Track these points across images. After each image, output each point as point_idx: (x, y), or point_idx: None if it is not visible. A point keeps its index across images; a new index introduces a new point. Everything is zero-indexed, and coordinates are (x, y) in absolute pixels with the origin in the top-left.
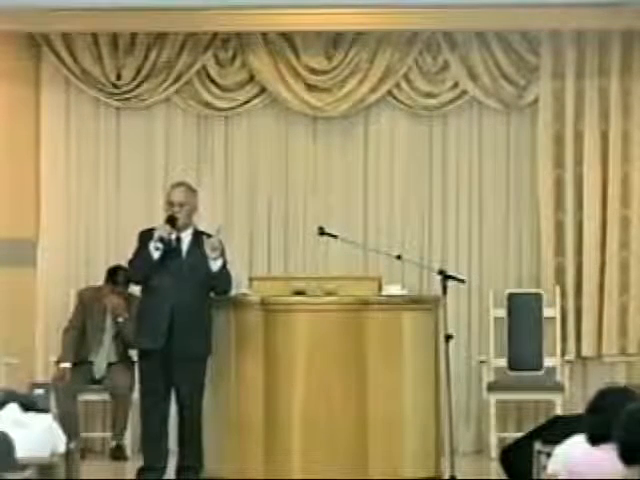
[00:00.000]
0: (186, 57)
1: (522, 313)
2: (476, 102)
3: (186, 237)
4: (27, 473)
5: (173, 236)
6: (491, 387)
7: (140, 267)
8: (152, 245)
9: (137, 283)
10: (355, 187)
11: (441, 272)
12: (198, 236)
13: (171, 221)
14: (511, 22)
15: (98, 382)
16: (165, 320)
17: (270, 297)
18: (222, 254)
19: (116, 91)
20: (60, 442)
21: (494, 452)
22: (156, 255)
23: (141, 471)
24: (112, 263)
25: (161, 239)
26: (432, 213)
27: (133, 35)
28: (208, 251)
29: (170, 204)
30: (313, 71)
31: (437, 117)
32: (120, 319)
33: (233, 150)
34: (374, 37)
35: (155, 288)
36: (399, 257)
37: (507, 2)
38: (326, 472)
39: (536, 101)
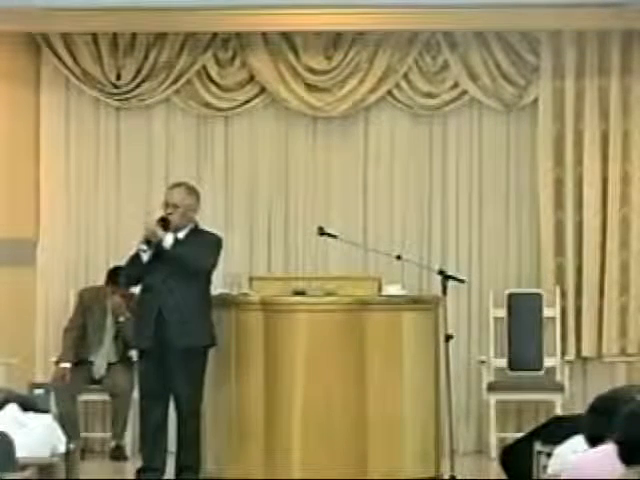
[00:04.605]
0: (186, 57)
1: (522, 313)
2: (476, 102)
3: (181, 236)
4: (27, 473)
5: (169, 237)
6: (491, 387)
7: (133, 269)
8: (138, 247)
9: (131, 285)
10: (355, 187)
11: (441, 272)
12: (194, 233)
13: (163, 222)
14: (511, 22)
15: (98, 382)
16: (154, 320)
17: (270, 297)
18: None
19: (116, 91)
20: (60, 442)
21: (494, 452)
22: (145, 257)
23: (140, 471)
24: (112, 263)
25: (147, 241)
26: (432, 213)
27: (133, 35)
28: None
29: (165, 205)
30: (313, 71)
31: (437, 117)
32: (121, 319)
33: (233, 150)
34: (374, 37)
35: (147, 288)
36: (399, 257)
37: (507, 2)
38: (326, 472)
39: (536, 101)
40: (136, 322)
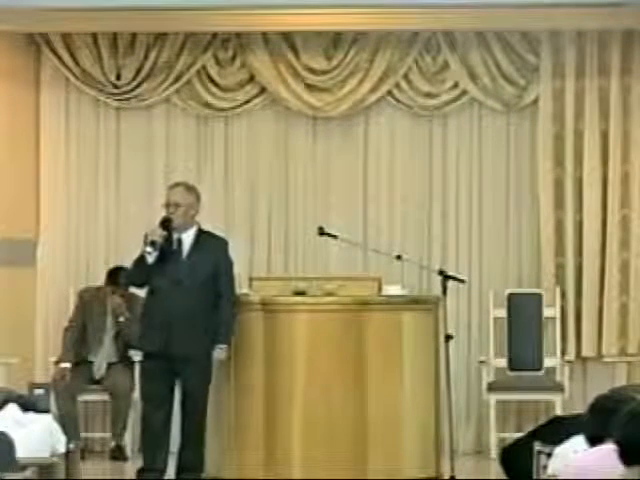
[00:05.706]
0: (186, 57)
1: (522, 313)
2: (476, 102)
3: (187, 238)
4: (27, 473)
5: (175, 236)
6: (491, 387)
7: (136, 272)
8: (143, 250)
9: (136, 286)
10: (355, 187)
11: (441, 272)
12: (201, 236)
13: (165, 223)
14: (511, 22)
15: (98, 382)
16: (161, 322)
17: (270, 297)
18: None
19: (116, 91)
20: (60, 442)
21: (494, 452)
22: (150, 259)
23: (141, 472)
24: (112, 263)
25: (152, 243)
26: (432, 213)
27: (133, 35)
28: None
29: (167, 205)
30: (313, 71)
31: (437, 117)
32: (121, 319)
33: (233, 150)
34: (374, 37)
35: (155, 290)
36: (399, 257)
37: (507, 2)
38: (326, 472)
39: (536, 101)
40: (142, 324)
